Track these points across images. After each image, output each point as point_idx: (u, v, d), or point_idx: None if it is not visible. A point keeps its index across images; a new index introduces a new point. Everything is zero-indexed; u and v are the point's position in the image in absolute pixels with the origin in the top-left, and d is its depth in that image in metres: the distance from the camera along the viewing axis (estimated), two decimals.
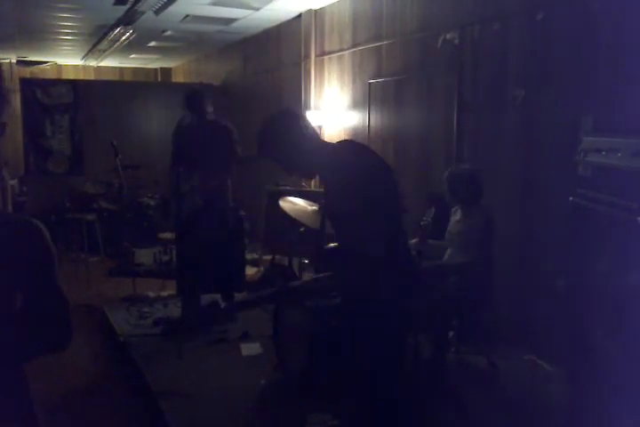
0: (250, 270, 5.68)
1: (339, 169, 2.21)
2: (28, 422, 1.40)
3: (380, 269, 2.17)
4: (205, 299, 4.54)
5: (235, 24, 7.04)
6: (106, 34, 7.78)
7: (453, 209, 3.73)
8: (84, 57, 10.27)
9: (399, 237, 2.29)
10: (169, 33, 7.72)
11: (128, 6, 6.16)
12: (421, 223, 3.42)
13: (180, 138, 4.31)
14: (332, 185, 2.34)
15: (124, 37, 7.82)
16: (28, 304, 1.34)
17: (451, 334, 3.64)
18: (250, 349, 3.94)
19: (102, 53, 9.45)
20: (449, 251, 3.62)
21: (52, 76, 10.78)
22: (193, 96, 4.25)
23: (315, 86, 6.38)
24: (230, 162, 4.31)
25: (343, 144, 2.38)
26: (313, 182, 6.32)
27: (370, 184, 2.16)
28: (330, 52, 6.14)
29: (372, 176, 2.18)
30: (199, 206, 4.21)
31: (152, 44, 8.64)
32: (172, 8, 6.13)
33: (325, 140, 2.40)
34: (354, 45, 5.70)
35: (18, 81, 8.47)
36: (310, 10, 6.32)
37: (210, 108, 4.23)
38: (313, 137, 2.31)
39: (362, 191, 2.14)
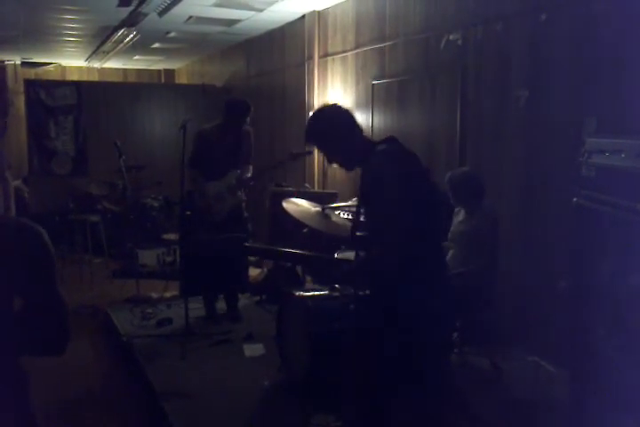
0: (253, 272, 5.69)
1: (371, 170, 2.26)
2: (26, 423, 1.40)
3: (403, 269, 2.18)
4: None
5: (238, 25, 7.05)
6: (109, 35, 7.80)
7: (456, 210, 3.72)
8: (87, 58, 10.29)
9: (427, 244, 2.28)
10: (172, 34, 7.74)
11: (132, 8, 6.18)
12: None
13: (208, 141, 4.50)
14: (364, 183, 2.37)
15: (127, 39, 7.83)
16: (27, 307, 1.34)
17: (454, 335, 3.63)
18: (253, 350, 3.94)
19: (106, 55, 9.47)
20: (451, 252, 3.62)
21: (55, 77, 10.81)
22: (243, 108, 4.48)
23: (318, 87, 6.38)
24: (249, 161, 4.73)
25: (384, 144, 2.38)
26: (315, 183, 6.33)
27: (390, 193, 2.16)
28: (333, 53, 6.15)
29: (394, 186, 2.18)
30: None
31: (156, 45, 8.66)
32: (175, 9, 6.15)
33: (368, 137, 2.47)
34: (357, 46, 5.70)
35: (22, 82, 8.51)
36: (314, 11, 6.32)
37: (249, 119, 4.57)
38: (360, 131, 2.40)
39: (382, 198, 2.17)
